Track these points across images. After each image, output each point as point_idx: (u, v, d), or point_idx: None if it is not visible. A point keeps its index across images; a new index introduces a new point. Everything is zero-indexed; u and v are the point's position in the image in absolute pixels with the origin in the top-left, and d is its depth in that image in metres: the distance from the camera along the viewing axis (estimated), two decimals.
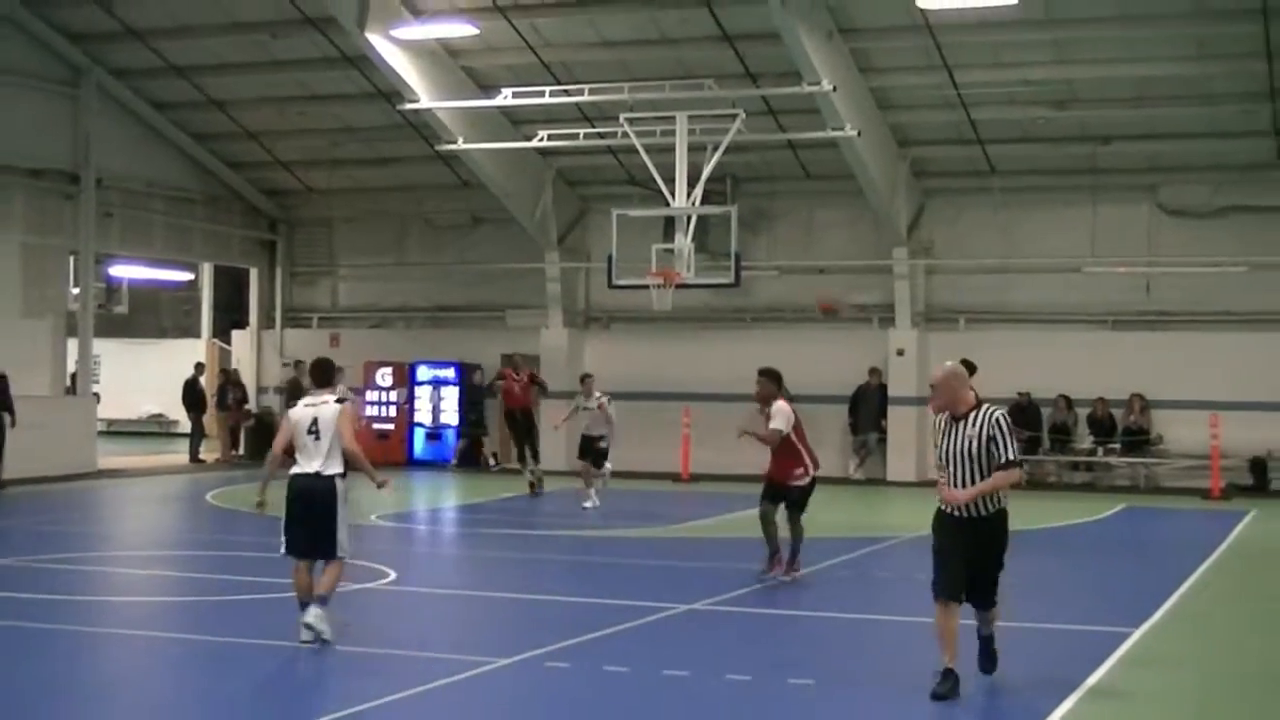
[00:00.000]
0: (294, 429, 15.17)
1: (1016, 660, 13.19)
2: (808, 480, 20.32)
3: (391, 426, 41.96)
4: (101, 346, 40.94)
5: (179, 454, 42.46)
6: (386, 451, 41.31)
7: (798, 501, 20.17)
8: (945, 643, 12.95)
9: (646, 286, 32.93)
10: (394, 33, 33.64)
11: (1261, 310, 35.34)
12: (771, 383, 20.70)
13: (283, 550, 15.13)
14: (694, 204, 32.14)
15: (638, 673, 14.09)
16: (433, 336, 42.11)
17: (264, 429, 42.94)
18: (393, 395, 41.98)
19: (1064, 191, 36.49)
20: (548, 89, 33.86)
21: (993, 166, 36.80)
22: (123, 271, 46.30)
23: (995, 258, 37.06)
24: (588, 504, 29.81)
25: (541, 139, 35.07)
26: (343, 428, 14.96)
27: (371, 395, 42.29)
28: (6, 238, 36.66)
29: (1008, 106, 34.42)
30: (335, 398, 15.30)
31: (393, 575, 20.60)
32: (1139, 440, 36.13)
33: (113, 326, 46.85)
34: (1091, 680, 13.99)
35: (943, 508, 13.21)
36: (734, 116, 31.67)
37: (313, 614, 14.62)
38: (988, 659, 13.53)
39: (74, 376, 39.09)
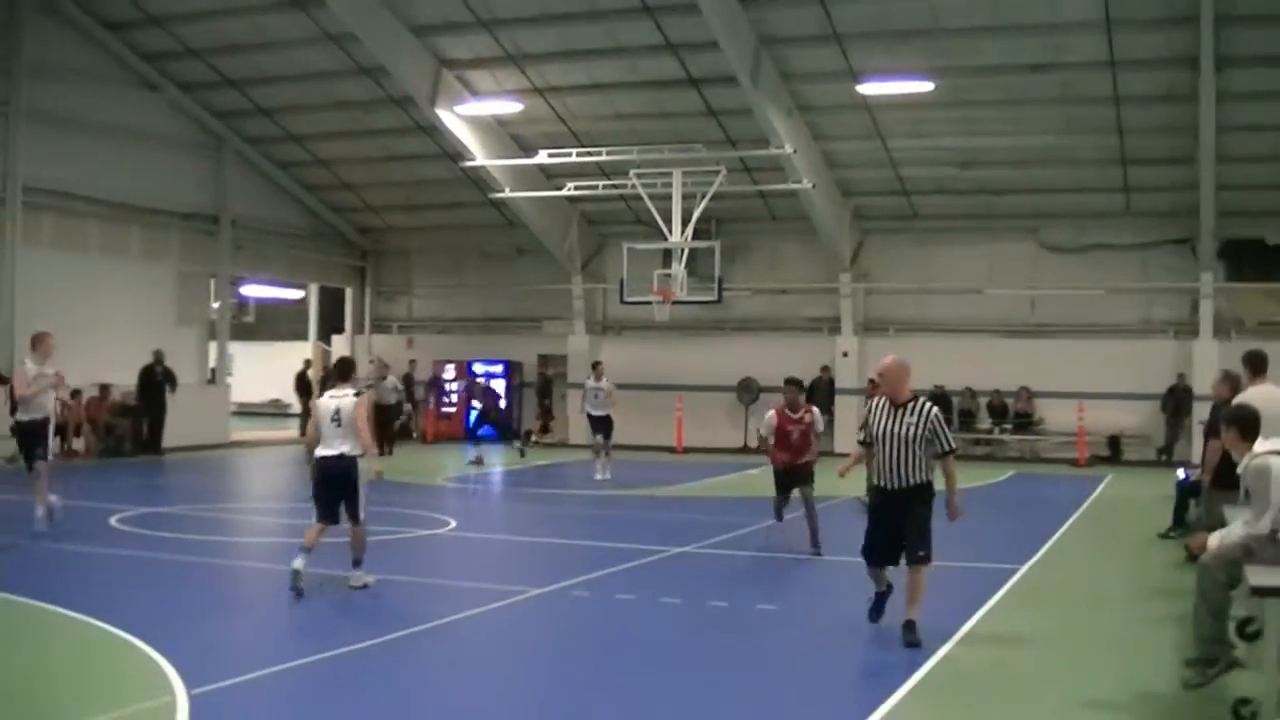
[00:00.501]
0: (318, 417, 14.42)
1: (929, 588, 13.10)
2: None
3: (454, 410, 41.92)
4: (234, 348, 40.92)
5: (291, 430, 42.49)
6: (450, 428, 41.44)
7: (810, 477, 18.55)
8: (876, 581, 12.48)
9: (649, 303, 32.96)
10: (457, 109, 33.77)
11: (1115, 323, 35.30)
12: (798, 390, 19.13)
13: (313, 519, 14.44)
14: (686, 239, 32.08)
15: (641, 599, 14.04)
16: (485, 341, 42.02)
17: None
18: (454, 386, 41.94)
19: (968, 231, 36.34)
20: (574, 151, 33.73)
21: (915, 211, 36.65)
22: (250, 290, 46.42)
23: (917, 282, 36.90)
24: (599, 475, 28.13)
25: (569, 189, 35.04)
26: (359, 416, 14.18)
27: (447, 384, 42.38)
28: (166, 264, 36.68)
29: (926, 166, 34.31)
30: (354, 391, 14.51)
31: (453, 523, 20.55)
32: (1025, 422, 36.03)
33: (243, 332, 46.85)
34: (989, 603, 14.04)
35: (878, 482, 12.33)
36: (717, 172, 31.62)
37: (355, 576, 14.49)
38: (910, 633, 11.90)
39: (213, 370, 39.08)
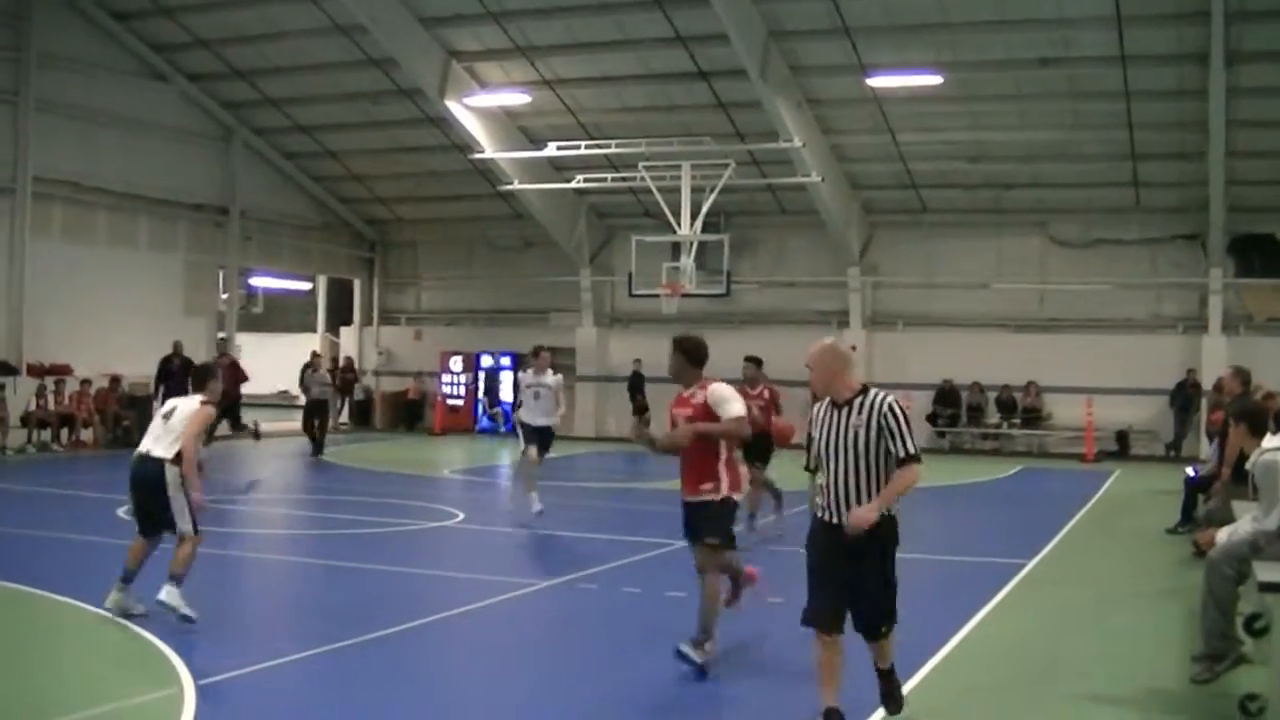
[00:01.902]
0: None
1: (936, 583, 13.05)
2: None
3: (461, 402, 41.93)
4: (242, 338, 40.93)
5: (298, 421, 42.49)
6: (457, 421, 41.44)
7: (765, 454, 17.99)
8: (824, 677, 8.82)
9: (658, 295, 33.06)
10: (466, 101, 33.80)
11: (1124, 319, 35.23)
12: (756, 367, 18.90)
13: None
14: (695, 232, 32.16)
15: (647, 593, 14.05)
16: (493, 332, 42.05)
17: (364, 405, 43.33)
18: (462, 378, 41.94)
19: (977, 226, 36.31)
20: (583, 143, 33.79)
21: (924, 206, 36.62)
22: (259, 281, 46.42)
23: (925, 276, 36.89)
24: (535, 508, 19.52)
25: (578, 181, 35.07)
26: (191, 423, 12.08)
27: (445, 377, 42.29)
28: (173, 255, 36.81)
29: (935, 160, 34.28)
30: (201, 398, 12.47)
31: (461, 516, 20.56)
32: (1033, 417, 36.03)
33: (251, 323, 46.83)
34: (995, 598, 13.98)
35: (817, 513, 9.00)
36: (726, 165, 31.71)
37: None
38: (890, 698, 9.28)
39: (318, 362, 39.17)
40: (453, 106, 33.78)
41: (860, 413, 8.76)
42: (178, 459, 11.85)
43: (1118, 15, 27.46)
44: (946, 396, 36.63)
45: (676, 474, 11.18)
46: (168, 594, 11.49)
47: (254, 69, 35.47)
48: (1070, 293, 35.60)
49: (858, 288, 37.48)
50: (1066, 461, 33.83)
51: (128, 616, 11.57)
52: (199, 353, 34.85)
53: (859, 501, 8.68)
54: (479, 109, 34.46)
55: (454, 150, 36.65)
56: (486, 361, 41.56)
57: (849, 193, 36.35)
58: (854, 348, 36.70)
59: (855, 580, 8.76)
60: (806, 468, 11.33)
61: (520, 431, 20.48)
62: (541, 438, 20.18)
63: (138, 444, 12.30)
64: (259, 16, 32.59)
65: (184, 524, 11.79)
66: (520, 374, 23.47)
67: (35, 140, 31.89)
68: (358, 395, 43.73)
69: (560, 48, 32.19)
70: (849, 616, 8.86)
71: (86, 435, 32.01)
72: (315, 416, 31.92)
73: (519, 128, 36.02)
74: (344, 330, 46.27)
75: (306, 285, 50.12)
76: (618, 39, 31.18)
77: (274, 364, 47.63)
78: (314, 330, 49.26)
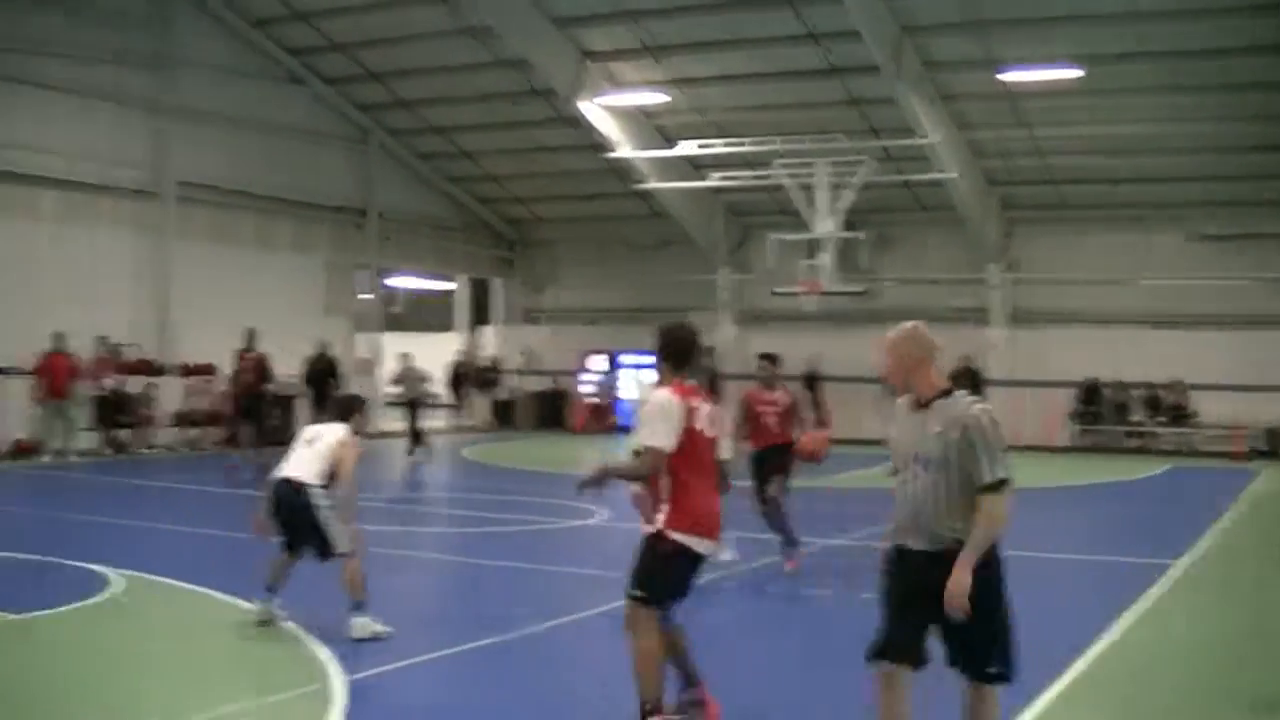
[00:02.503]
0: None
1: (1079, 584, 12.87)
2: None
3: (601, 401, 42.12)
4: (383, 338, 41.39)
5: (441, 420, 42.98)
6: (597, 419, 41.60)
7: (785, 467, 15.78)
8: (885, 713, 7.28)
9: (796, 293, 32.97)
10: (600, 100, 33.98)
11: (1271, 314, 34.56)
12: (773, 365, 16.96)
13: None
14: (832, 230, 32.10)
15: (785, 594, 14.03)
16: (632, 331, 42.02)
17: (506, 404, 43.62)
18: (603, 377, 42.16)
19: (1118, 221, 35.80)
20: (718, 142, 33.83)
21: (1064, 201, 36.23)
22: (398, 281, 46.93)
23: (1066, 272, 36.40)
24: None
25: (714, 180, 35.15)
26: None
27: (585, 376, 42.59)
28: (314, 257, 37.57)
29: (1074, 155, 33.85)
30: (349, 428, 12.22)
31: (602, 514, 20.64)
32: (1180, 414, 35.47)
33: (391, 323, 47.28)
34: (1139, 601, 13.69)
35: (898, 540, 7.39)
36: (861, 162, 31.60)
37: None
38: None
39: (367, 360, 39.58)
40: (586, 106, 33.98)
41: (943, 419, 7.20)
42: (325, 483, 11.76)
43: (1266, 3, 26.98)
44: (1089, 394, 36.18)
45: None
46: (359, 627, 11.31)
47: (389, 71, 35.92)
48: (1215, 288, 34.94)
49: (998, 284, 37.14)
50: (1215, 460, 33.23)
51: (269, 625, 11.62)
52: (338, 352, 35.34)
53: (936, 524, 7.14)
54: (614, 108, 34.60)
55: (590, 150, 36.80)
56: (627, 360, 41.75)
57: (986, 189, 36.05)
58: (994, 346, 36.53)
59: (948, 616, 7.07)
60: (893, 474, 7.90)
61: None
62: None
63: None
64: (393, 20, 32.95)
65: (341, 544, 11.61)
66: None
67: (178, 145, 32.61)
68: (499, 394, 44.10)
69: (691, 46, 32.21)
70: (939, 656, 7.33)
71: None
72: (412, 416, 31.84)
73: (654, 127, 36.12)
74: (484, 329, 46.67)
75: (446, 285, 50.55)
76: (749, 37, 31.14)
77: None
78: (453, 330, 49.68)
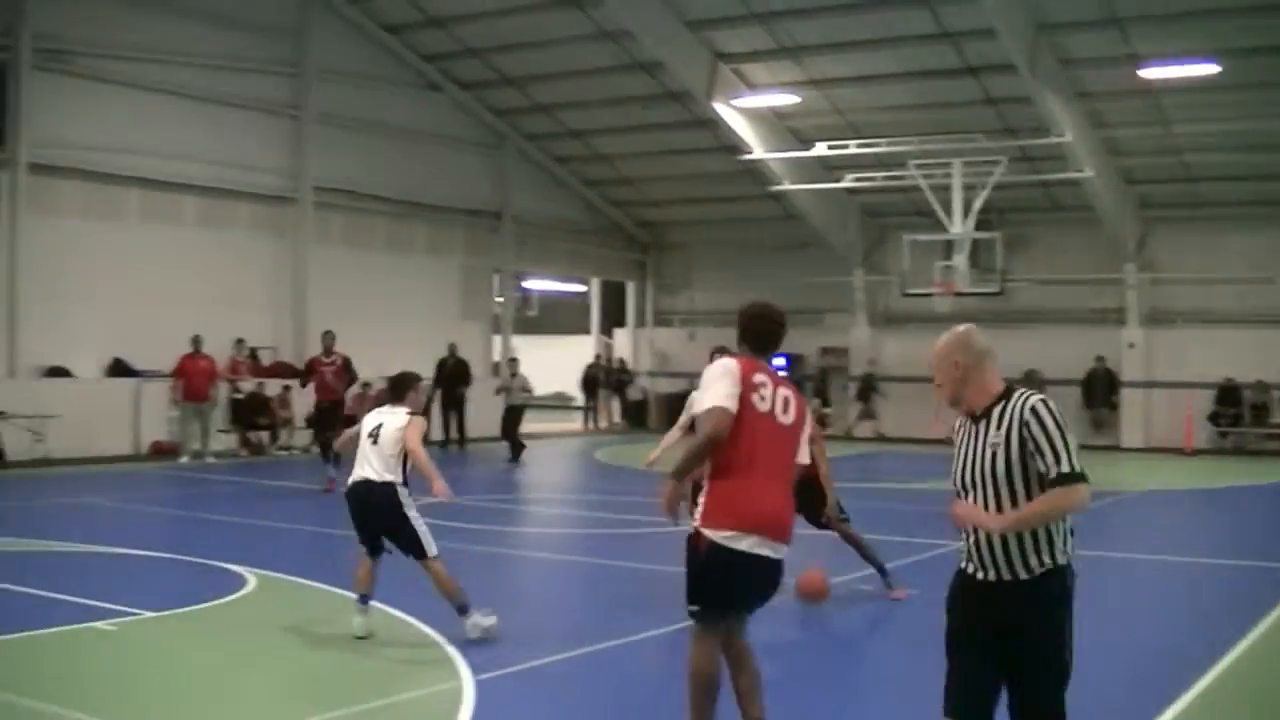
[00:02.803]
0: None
1: (1213, 591, 12.62)
2: None
3: None
4: (518, 341, 41.70)
5: (574, 423, 43.24)
6: None
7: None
8: None
9: (931, 294, 32.80)
10: (734, 102, 33.95)
11: None
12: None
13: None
14: (968, 230, 31.88)
15: (926, 595, 13.89)
16: None
17: (639, 406, 43.74)
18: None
19: (1258, 219, 35.07)
20: (852, 143, 33.68)
21: (1202, 199, 35.65)
22: (533, 284, 47.28)
23: (1204, 271, 35.82)
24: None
25: (848, 181, 35.06)
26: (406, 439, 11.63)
27: None
28: (449, 260, 38.00)
29: (1212, 152, 33.22)
30: (408, 411, 11.91)
31: None
32: None
33: (526, 326, 47.65)
34: (1274, 611, 13.42)
35: (962, 565, 6.33)
36: (997, 162, 31.35)
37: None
38: None
39: (497, 363, 39.89)
40: (720, 109, 33.97)
41: (999, 426, 6.18)
42: (404, 481, 11.52)
43: None
44: (1228, 395, 35.52)
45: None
46: (471, 627, 11.16)
47: (524, 76, 36.16)
48: None
49: (1134, 284, 36.58)
50: None
51: (368, 637, 11.39)
52: (474, 355, 35.67)
53: (1005, 553, 6.07)
54: (746, 110, 34.58)
55: (723, 152, 36.81)
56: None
57: (1123, 187, 35.52)
58: (1131, 345, 36.00)
59: (1010, 660, 6.10)
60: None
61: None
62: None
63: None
64: (527, 24, 33.16)
65: (429, 546, 11.35)
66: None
67: (315, 151, 33.16)
68: (633, 396, 44.24)
69: (825, 47, 32.07)
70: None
71: None
72: (512, 422, 31.39)
73: (787, 128, 36.06)
74: (617, 332, 46.87)
75: (580, 288, 50.84)
76: (883, 37, 30.92)
77: (548, 366, 48.46)
78: (588, 332, 49.97)
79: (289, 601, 13.08)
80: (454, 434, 33.40)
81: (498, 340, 40.22)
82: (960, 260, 32.50)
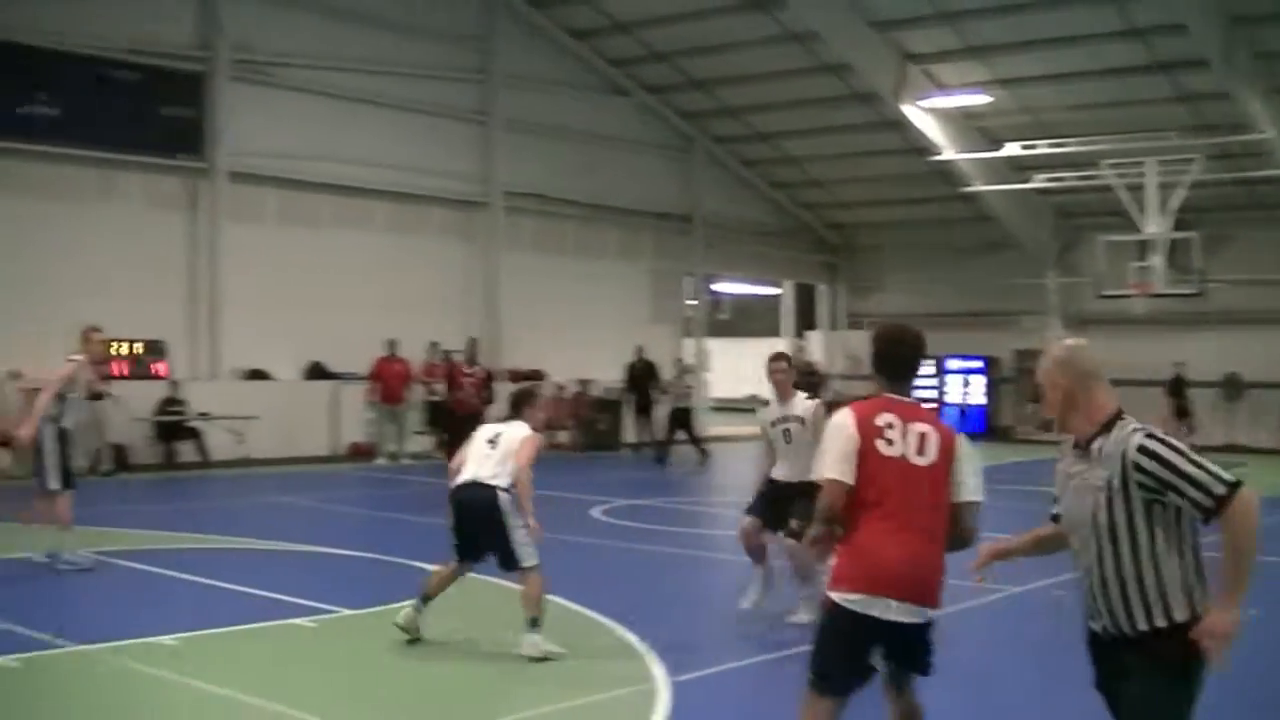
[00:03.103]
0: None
1: None
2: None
3: (929, 406, 41.57)
4: (710, 344, 41.76)
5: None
6: None
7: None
8: None
9: (1127, 296, 32.20)
10: (923, 103, 33.69)
11: None
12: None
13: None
14: (1164, 230, 31.22)
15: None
16: (959, 336, 41.52)
17: (829, 407, 43.35)
18: (930, 382, 41.72)
19: None
20: (1043, 142, 33.17)
21: None
22: (723, 288, 47.29)
23: None
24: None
25: (1039, 181, 34.53)
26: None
27: (913, 381, 41.84)
28: (639, 264, 38.20)
29: None
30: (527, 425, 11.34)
31: None
32: None
33: (718, 329, 47.74)
34: None
35: (1087, 623, 5.84)
36: (1192, 160, 30.63)
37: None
38: None
39: (689, 366, 39.99)
40: (909, 109, 33.72)
41: (1103, 463, 5.54)
42: (512, 486, 10.94)
43: None
44: None
45: None
46: (529, 645, 10.68)
47: (711, 79, 36.17)
48: None
49: None
50: None
51: (414, 640, 11.21)
52: (664, 358, 35.70)
53: (1124, 606, 5.50)
54: (936, 111, 34.27)
55: (913, 153, 36.51)
56: (954, 365, 41.31)
57: None
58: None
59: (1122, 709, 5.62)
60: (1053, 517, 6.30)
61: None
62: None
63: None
64: (714, 28, 33.17)
65: (528, 557, 10.83)
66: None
67: (504, 156, 33.57)
68: (824, 398, 43.86)
69: (1013, 46, 31.59)
70: None
71: (563, 438, 33.33)
72: (679, 425, 31.27)
73: (977, 129, 35.61)
74: (810, 335, 46.65)
75: (771, 290, 50.72)
76: (1070, 35, 30.34)
77: (740, 369, 48.43)
78: (779, 335, 49.80)
79: (480, 601, 13.19)
80: (644, 436, 33.45)
81: (688, 344, 40.23)
82: (1157, 260, 31.79)
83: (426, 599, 11.26)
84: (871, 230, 44.13)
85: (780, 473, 12.32)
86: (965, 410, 41.18)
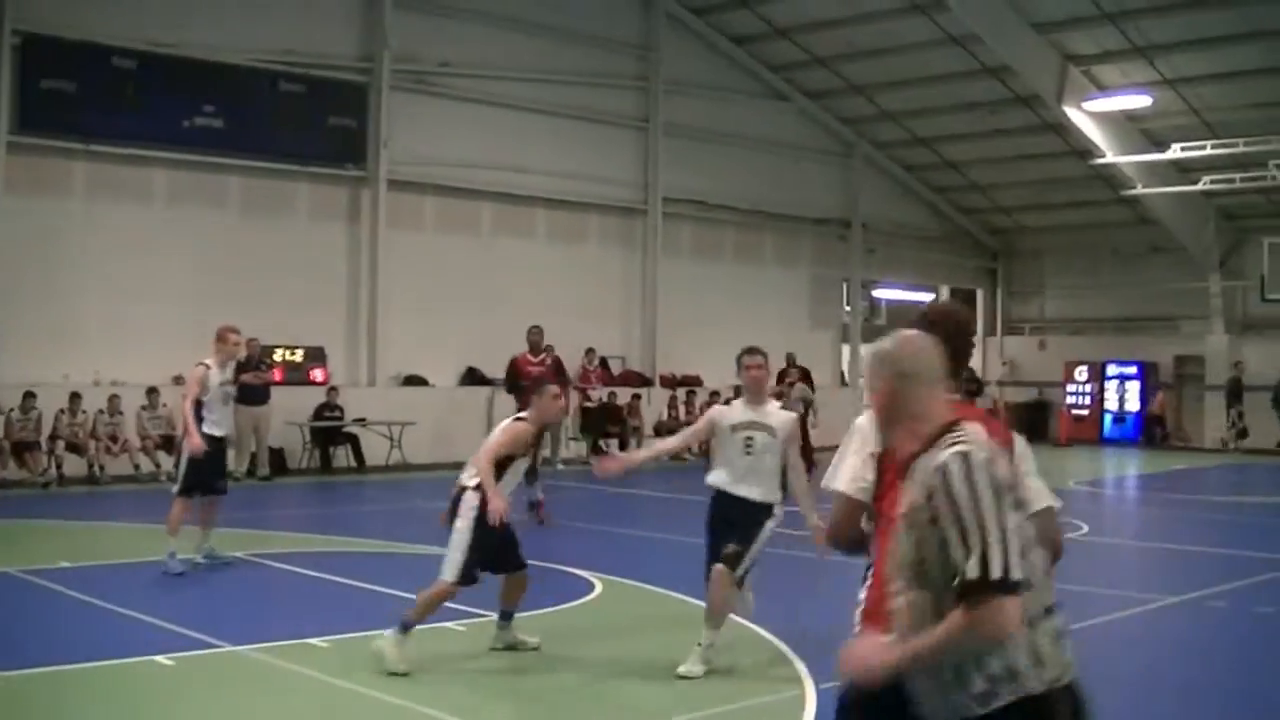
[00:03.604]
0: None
1: None
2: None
3: (1086, 412, 41.00)
4: (867, 351, 41.35)
5: None
6: (1082, 431, 40.44)
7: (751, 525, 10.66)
8: None
9: None
10: (1084, 105, 33.08)
11: None
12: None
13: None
14: None
15: None
16: (1119, 342, 40.90)
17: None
18: (1088, 388, 41.05)
19: None
20: (1208, 143, 32.47)
21: None
22: (882, 293, 46.85)
23: None
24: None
25: (1204, 183, 33.80)
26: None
27: (1071, 387, 41.43)
28: (797, 270, 37.98)
29: None
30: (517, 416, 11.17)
31: (1085, 528, 20.01)
32: None
33: (874, 334, 47.23)
34: None
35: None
36: None
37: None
38: None
39: (844, 373, 39.70)
40: (1071, 112, 33.12)
41: (915, 483, 4.26)
42: (479, 486, 10.51)
43: None
44: None
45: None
46: (382, 639, 10.25)
47: (871, 83, 35.85)
48: None
49: None
50: None
51: (514, 649, 11.03)
52: (823, 364, 35.39)
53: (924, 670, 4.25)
54: (1097, 113, 33.62)
55: (1074, 156, 35.94)
56: (1112, 370, 40.60)
57: None
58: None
59: None
60: None
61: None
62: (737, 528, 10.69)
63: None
64: (875, 32, 32.86)
65: (447, 569, 10.47)
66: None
67: (664, 162, 33.49)
68: (981, 405, 43.41)
69: (1181, 44, 30.89)
70: None
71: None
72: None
73: (1140, 130, 34.88)
74: None
75: (930, 296, 50.22)
76: (1241, 32, 29.63)
77: None
78: None
79: (634, 606, 13.09)
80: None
81: (846, 350, 40.00)
82: None
83: (505, 616, 11.07)
84: (1032, 235, 43.49)
85: (723, 481, 10.84)
86: (1121, 417, 40.50)
